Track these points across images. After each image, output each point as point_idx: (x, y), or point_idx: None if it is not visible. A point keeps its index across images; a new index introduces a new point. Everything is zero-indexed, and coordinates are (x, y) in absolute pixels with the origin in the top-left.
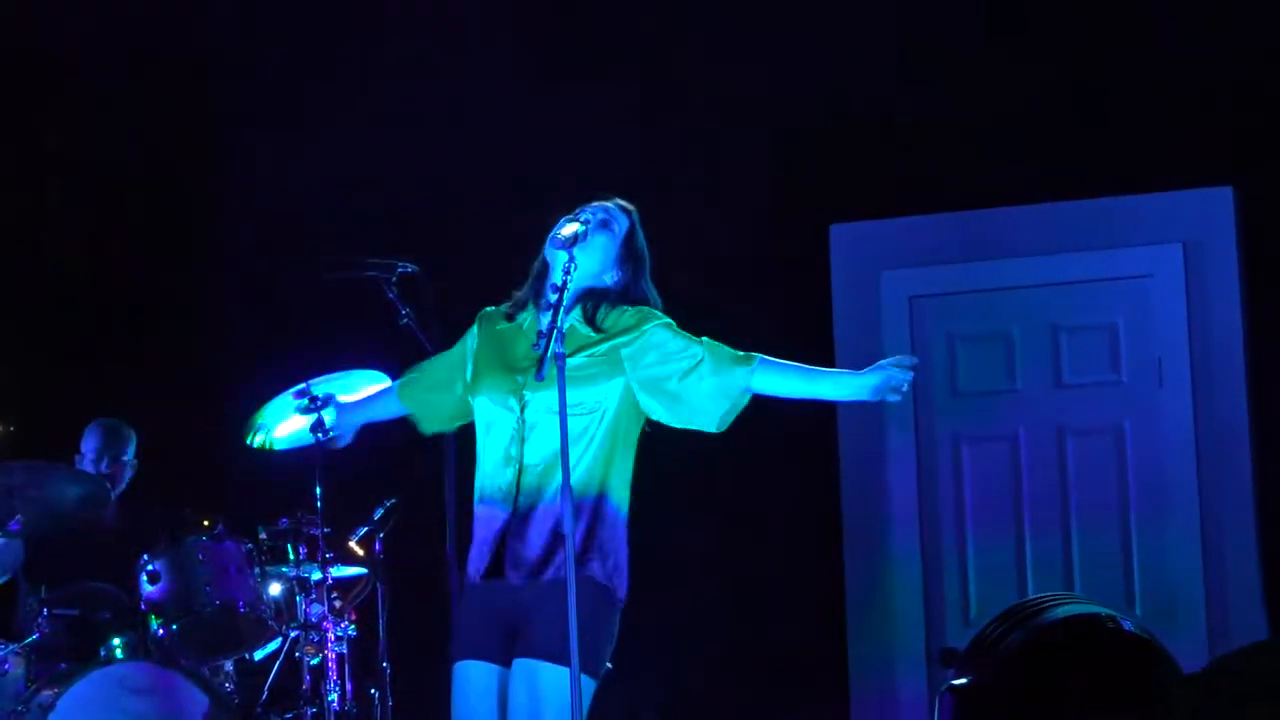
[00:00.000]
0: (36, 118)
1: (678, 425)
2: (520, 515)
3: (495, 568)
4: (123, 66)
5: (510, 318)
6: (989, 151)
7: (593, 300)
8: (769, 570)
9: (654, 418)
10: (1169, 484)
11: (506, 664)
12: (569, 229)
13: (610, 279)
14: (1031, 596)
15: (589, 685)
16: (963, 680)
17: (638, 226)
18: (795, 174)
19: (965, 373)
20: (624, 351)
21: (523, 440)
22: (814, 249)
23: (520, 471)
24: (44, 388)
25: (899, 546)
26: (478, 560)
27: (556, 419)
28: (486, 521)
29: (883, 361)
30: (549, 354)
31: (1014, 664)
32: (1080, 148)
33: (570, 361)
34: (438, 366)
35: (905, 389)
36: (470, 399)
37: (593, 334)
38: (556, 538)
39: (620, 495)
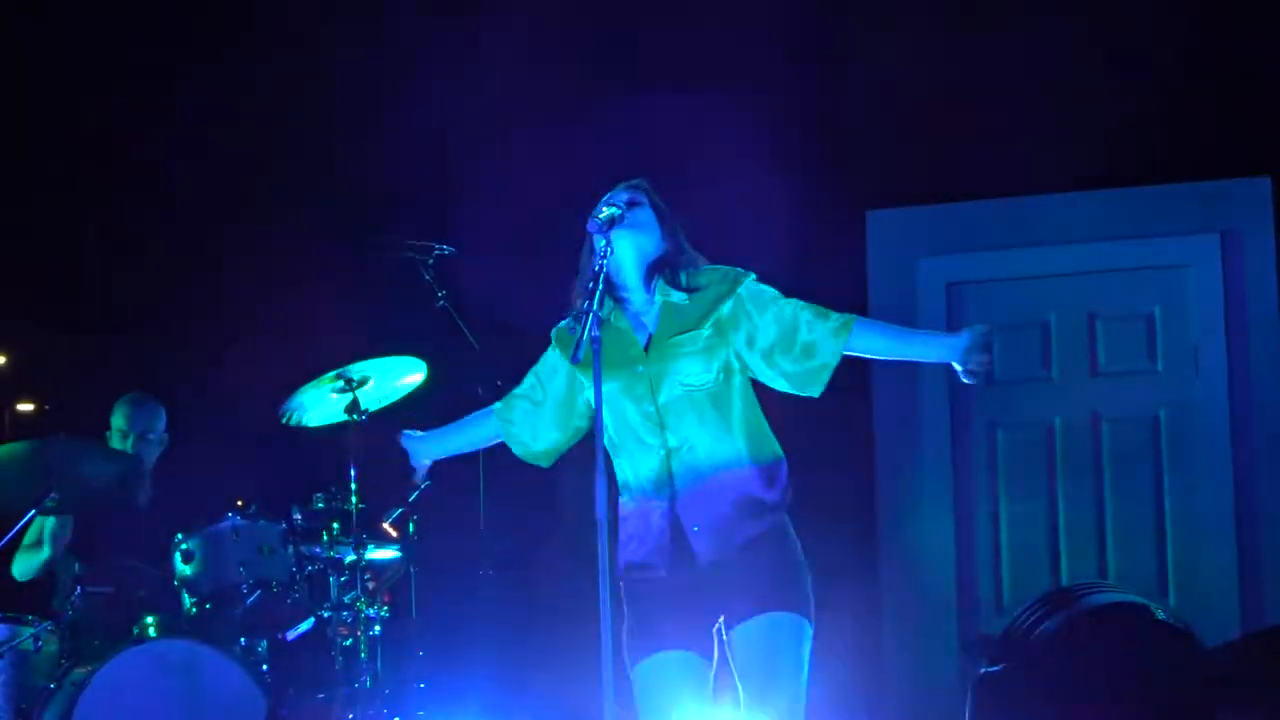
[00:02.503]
0: (71, 96)
1: (779, 387)
2: (684, 498)
3: (672, 557)
4: (159, 40)
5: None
6: (1027, 139)
7: (669, 268)
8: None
9: (761, 378)
10: (1204, 473)
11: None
12: (606, 212)
13: (666, 246)
14: (1065, 585)
15: (810, 629)
16: (996, 668)
17: (654, 194)
18: (833, 161)
19: (1001, 360)
20: (724, 315)
21: (662, 426)
22: (851, 235)
23: (668, 455)
24: (78, 367)
25: (933, 533)
26: (647, 553)
27: (690, 397)
28: (644, 514)
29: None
30: (585, 337)
31: (1047, 652)
32: (1119, 136)
33: (681, 338)
34: (547, 384)
35: (985, 362)
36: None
37: (687, 299)
38: (731, 506)
39: (770, 441)
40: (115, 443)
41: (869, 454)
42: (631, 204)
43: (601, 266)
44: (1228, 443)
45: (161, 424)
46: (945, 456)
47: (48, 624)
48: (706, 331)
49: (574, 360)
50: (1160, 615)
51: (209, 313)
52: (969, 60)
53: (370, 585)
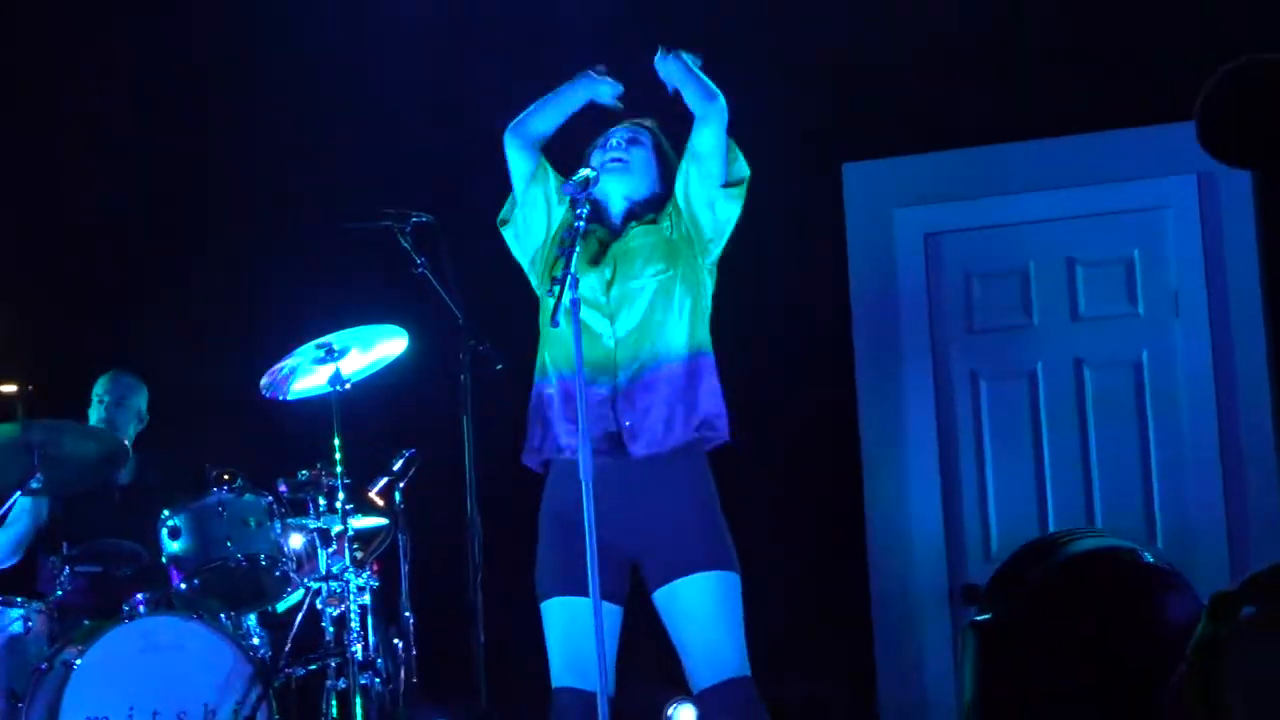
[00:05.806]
0: (51, 74)
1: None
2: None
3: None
4: (132, 14)
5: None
6: (1001, 86)
7: (653, 211)
8: (787, 509)
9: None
10: (1187, 415)
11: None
12: (582, 174)
13: (657, 191)
14: (1052, 531)
15: (736, 581)
16: (985, 616)
17: (660, 137)
18: (807, 112)
19: (981, 308)
20: (674, 235)
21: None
22: (827, 187)
23: (616, 345)
24: (62, 345)
25: (918, 484)
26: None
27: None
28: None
29: None
30: (563, 300)
31: (1036, 599)
32: (1093, 79)
33: (633, 235)
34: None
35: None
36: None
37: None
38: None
39: (708, 344)
40: (93, 410)
41: (851, 406)
42: (632, 142)
43: (577, 229)
44: (1210, 384)
45: (142, 401)
46: (929, 408)
47: (36, 604)
48: (661, 226)
49: (553, 324)
50: (1148, 558)
51: (187, 286)
52: (941, 9)
53: (358, 555)
